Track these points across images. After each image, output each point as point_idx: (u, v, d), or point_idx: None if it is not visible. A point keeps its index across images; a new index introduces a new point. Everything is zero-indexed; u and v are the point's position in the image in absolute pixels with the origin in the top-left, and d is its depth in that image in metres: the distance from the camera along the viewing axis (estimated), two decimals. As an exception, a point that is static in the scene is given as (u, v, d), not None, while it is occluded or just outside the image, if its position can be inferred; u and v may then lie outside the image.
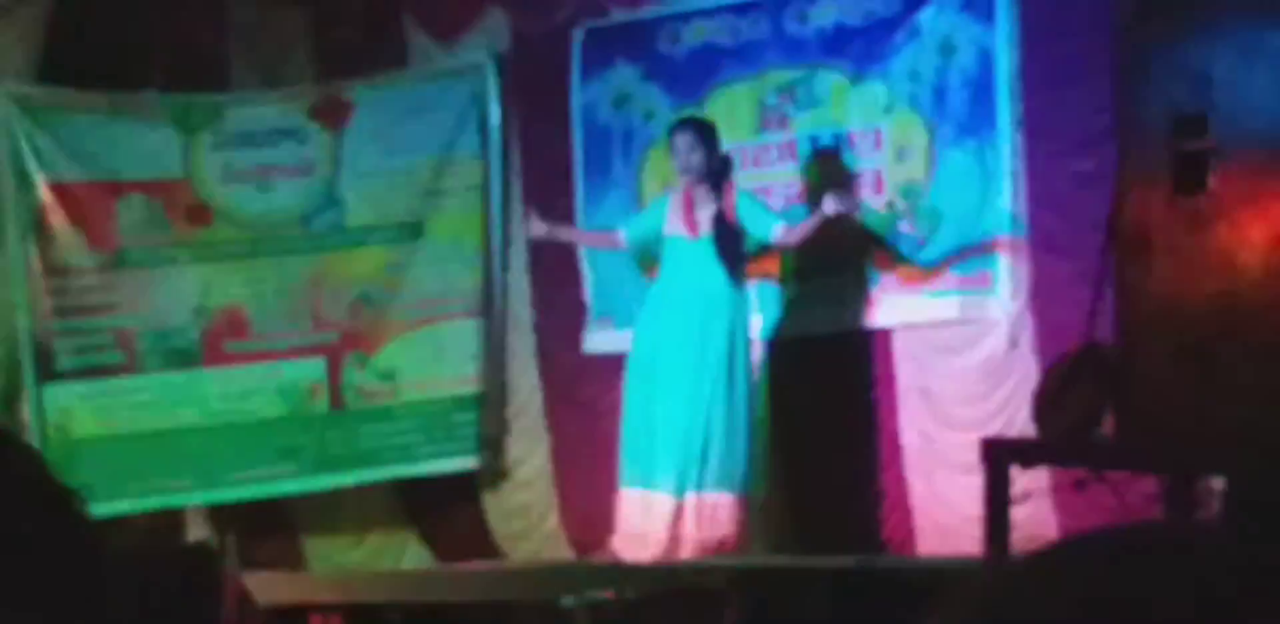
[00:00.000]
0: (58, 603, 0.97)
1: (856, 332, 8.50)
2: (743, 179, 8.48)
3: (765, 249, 8.27)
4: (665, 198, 8.37)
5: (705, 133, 8.19)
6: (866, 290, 8.45)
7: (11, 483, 1.00)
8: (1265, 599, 1.14)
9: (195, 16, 9.55)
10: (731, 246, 8.07)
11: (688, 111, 8.78)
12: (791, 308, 8.55)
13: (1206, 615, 1.13)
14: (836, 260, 8.45)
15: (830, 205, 7.80)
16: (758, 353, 8.39)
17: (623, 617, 7.09)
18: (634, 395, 8.26)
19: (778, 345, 8.54)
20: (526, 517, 9.20)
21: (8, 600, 0.95)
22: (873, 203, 8.46)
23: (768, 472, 8.33)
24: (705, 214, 8.11)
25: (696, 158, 8.08)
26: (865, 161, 8.52)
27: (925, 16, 8.32)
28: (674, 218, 8.19)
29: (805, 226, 7.97)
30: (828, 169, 8.51)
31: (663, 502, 8.02)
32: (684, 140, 8.15)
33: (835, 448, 8.42)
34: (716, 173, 8.14)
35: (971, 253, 8.17)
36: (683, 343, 8.09)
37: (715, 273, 8.07)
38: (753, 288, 8.37)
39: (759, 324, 8.43)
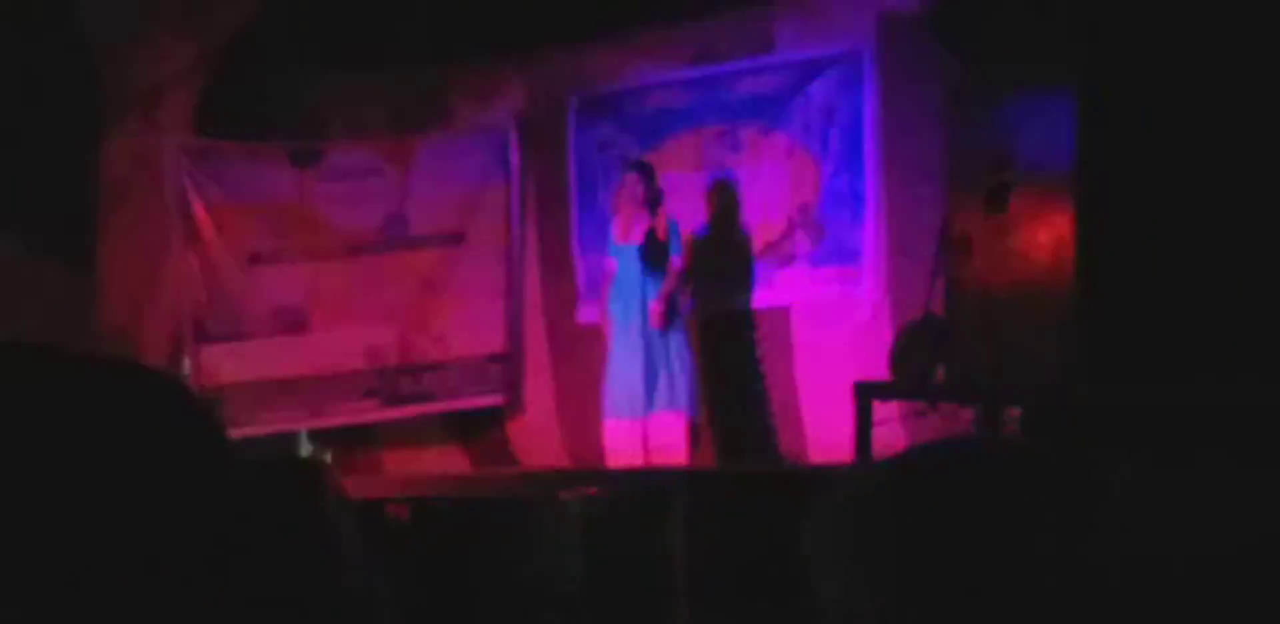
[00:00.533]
0: (201, 495, 0.94)
1: (764, 308, 8.44)
2: (678, 205, 8.42)
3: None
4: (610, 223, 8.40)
5: (647, 173, 8.17)
6: (766, 280, 8.45)
7: (175, 412, 0.96)
8: (1046, 487, 1.19)
9: (305, 85, 9.58)
10: (656, 253, 8.04)
11: (649, 155, 8.70)
12: (714, 290, 8.46)
13: (1006, 498, 1.18)
14: (744, 262, 8.50)
15: (676, 263, 8.05)
16: (693, 322, 8.35)
17: (604, 507, 7.07)
18: (611, 354, 8.24)
19: (710, 318, 8.47)
20: (537, 437, 9.13)
21: (167, 492, 0.92)
22: (776, 221, 8.43)
23: (704, 404, 8.30)
24: (639, 229, 8.08)
25: (639, 190, 8.08)
26: (773, 189, 8.44)
27: (814, 88, 8.29)
28: (616, 232, 8.21)
29: (669, 283, 8.04)
30: (718, 201, 8.57)
31: (632, 425, 8.01)
32: (631, 177, 8.16)
33: (752, 389, 8.44)
34: (652, 201, 8.10)
35: (849, 262, 8.19)
36: (630, 316, 8.06)
37: (644, 269, 8.04)
38: (686, 277, 8.27)
39: (692, 304, 8.38)
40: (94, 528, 0.88)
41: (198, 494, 0.93)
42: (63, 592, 0.87)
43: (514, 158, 9.13)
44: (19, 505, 0.87)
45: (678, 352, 8.09)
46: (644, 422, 8.01)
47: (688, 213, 8.47)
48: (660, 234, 8.07)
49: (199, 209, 8.77)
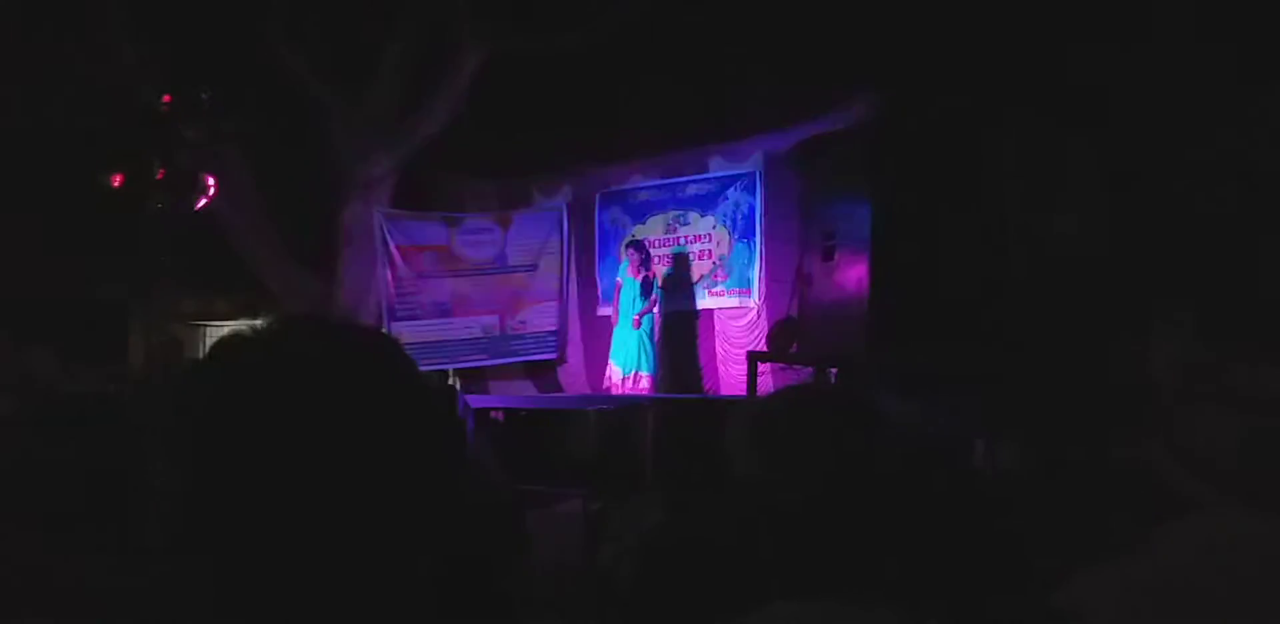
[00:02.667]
0: (422, 396, 0.86)
1: (700, 311, 8.25)
2: (653, 254, 8.27)
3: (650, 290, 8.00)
4: (625, 263, 8.11)
5: (642, 250, 8.08)
6: (700, 295, 8.25)
7: (400, 356, 0.87)
8: (844, 409, 1.14)
9: (452, 182, 9.47)
10: (643, 289, 7.89)
11: (638, 227, 8.64)
12: (671, 301, 8.21)
13: (825, 412, 1.14)
14: (688, 285, 8.32)
15: (650, 294, 7.85)
16: (659, 317, 8.12)
17: (609, 416, 6.65)
18: (615, 333, 8.15)
19: (667, 315, 8.21)
20: (572, 377, 8.91)
21: (408, 396, 0.84)
22: (706, 263, 8.25)
23: (661, 366, 8.09)
24: (636, 276, 7.95)
25: (638, 259, 7.96)
26: (706, 247, 8.27)
27: (730, 191, 8.17)
28: (626, 273, 8.01)
29: (644, 310, 7.85)
30: (678, 257, 8.40)
31: (620, 371, 7.93)
32: (631, 253, 8.06)
33: (691, 355, 8.24)
34: (645, 260, 8.01)
35: (746, 287, 8.13)
36: (627, 312, 7.97)
37: (636, 290, 7.93)
38: (656, 293, 8.03)
39: (658, 306, 8.12)
40: (374, 416, 0.80)
41: (419, 395, 0.87)
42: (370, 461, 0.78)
43: (565, 225, 9.00)
44: (336, 399, 0.79)
45: (649, 338, 7.97)
46: (629, 376, 7.97)
47: (658, 260, 8.34)
48: (651, 277, 8.02)
49: (392, 248, 8.67)
